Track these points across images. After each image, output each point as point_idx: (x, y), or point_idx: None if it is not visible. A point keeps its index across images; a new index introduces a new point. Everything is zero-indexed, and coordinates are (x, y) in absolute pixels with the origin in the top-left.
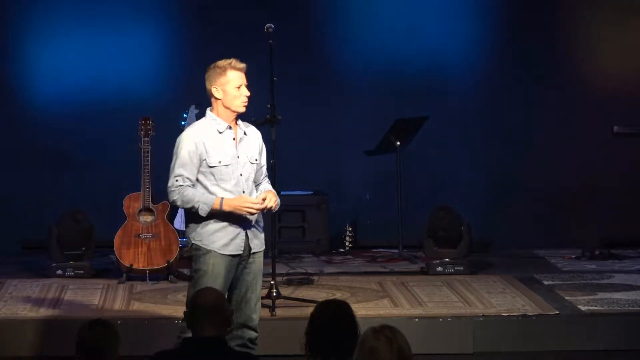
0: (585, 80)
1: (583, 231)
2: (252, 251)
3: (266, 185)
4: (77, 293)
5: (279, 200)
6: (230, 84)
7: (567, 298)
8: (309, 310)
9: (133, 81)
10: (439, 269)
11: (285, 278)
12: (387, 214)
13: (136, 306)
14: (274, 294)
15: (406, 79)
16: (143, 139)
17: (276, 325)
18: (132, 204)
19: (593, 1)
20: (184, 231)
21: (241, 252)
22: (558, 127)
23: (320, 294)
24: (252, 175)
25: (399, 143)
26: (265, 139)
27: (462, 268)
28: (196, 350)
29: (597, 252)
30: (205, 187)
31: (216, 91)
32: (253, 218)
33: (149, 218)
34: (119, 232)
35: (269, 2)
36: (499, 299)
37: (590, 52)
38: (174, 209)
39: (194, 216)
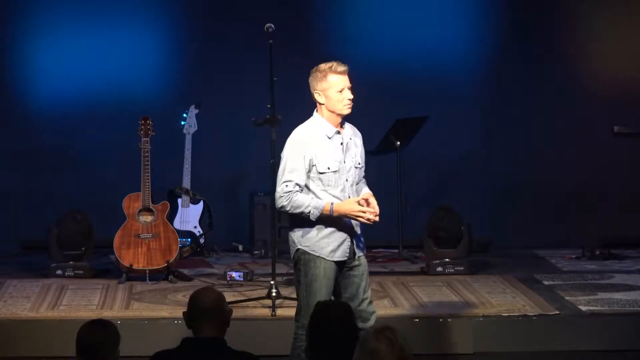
0: (585, 81)
1: (583, 231)
2: (356, 255)
3: (363, 187)
4: (77, 293)
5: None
6: (332, 89)
7: (567, 298)
8: None
9: (133, 81)
10: (439, 269)
11: (285, 278)
12: (387, 214)
13: (136, 306)
14: (274, 294)
15: (406, 78)
16: (143, 139)
17: (276, 325)
18: (132, 204)
19: (593, 1)
20: (184, 231)
21: (347, 258)
22: (558, 127)
23: None
24: (356, 180)
25: (399, 143)
26: (265, 139)
27: (462, 268)
28: (196, 350)
29: (597, 252)
30: (314, 193)
31: (319, 96)
32: (355, 223)
33: (148, 218)
34: (119, 232)
35: (269, 2)
36: (499, 299)
37: (590, 53)
38: (174, 209)
39: (300, 221)
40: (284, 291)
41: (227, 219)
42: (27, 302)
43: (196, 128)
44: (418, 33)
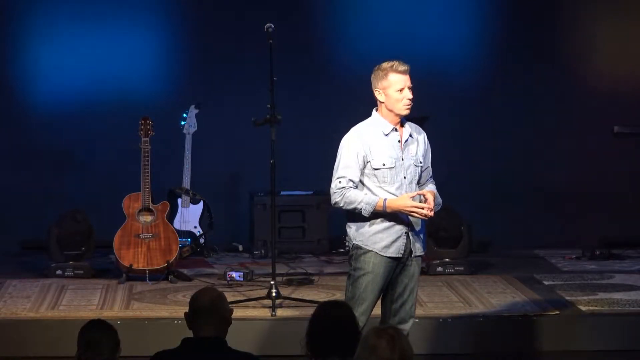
0: (585, 80)
1: (583, 231)
2: (413, 254)
3: (430, 186)
4: (77, 293)
5: (439, 199)
6: (392, 87)
7: (567, 298)
8: (309, 310)
9: (133, 81)
10: (439, 269)
11: (285, 278)
12: None
13: (136, 306)
14: (274, 294)
15: None
16: (143, 139)
17: (276, 325)
18: (132, 204)
19: (593, 1)
20: (184, 231)
21: (401, 255)
22: (558, 127)
23: (321, 294)
24: (416, 178)
25: None
26: (265, 139)
27: (462, 268)
28: (196, 350)
29: (597, 252)
30: (369, 189)
31: (379, 94)
32: (415, 220)
33: (148, 218)
34: (119, 232)
35: (269, 2)
36: (499, 299)
37: (590, 52)
38: (174, 209)
39: (355, 216)
40: (284, 291)
41: (227, 219)
42: (27, 302)
43: (196, 128)
44: (418, 33)
